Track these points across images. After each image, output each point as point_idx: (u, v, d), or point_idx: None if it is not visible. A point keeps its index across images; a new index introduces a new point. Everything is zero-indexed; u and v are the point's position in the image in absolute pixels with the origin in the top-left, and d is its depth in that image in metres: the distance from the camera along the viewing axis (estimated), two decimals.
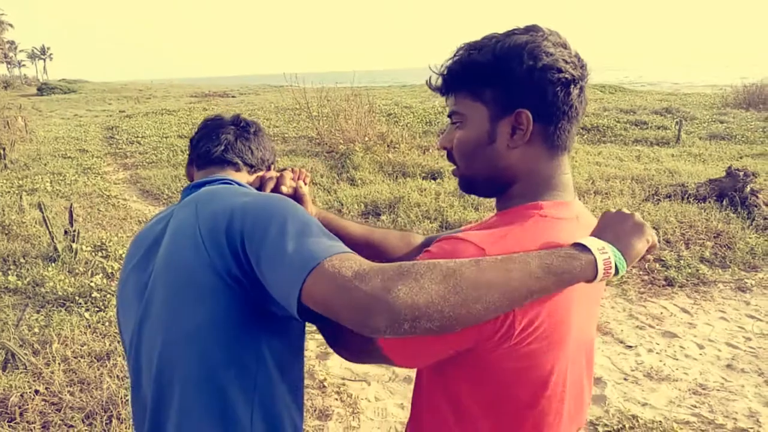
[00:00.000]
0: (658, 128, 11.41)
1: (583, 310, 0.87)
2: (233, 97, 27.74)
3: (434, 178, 7.50)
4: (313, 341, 3.47)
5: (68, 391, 2.80)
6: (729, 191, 5.73)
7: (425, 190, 6.70)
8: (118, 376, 2.94)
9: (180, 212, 1.00)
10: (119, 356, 3.13)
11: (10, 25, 61.44)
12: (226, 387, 0.90)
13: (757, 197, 5.61)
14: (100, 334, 3.44)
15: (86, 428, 2.56)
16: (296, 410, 1.01)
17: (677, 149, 9.58)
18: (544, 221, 0.83)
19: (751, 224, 5.23)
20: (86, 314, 3.71)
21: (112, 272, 4.47)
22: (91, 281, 4.17)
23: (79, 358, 3.12)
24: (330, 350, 3.40)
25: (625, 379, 3.08)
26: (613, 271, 0.75)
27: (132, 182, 8.55)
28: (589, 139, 10.92)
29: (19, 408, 2.68)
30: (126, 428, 2.55)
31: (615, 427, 2.63)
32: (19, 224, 5.76)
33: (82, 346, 3.27)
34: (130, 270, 1.04)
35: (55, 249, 4.77)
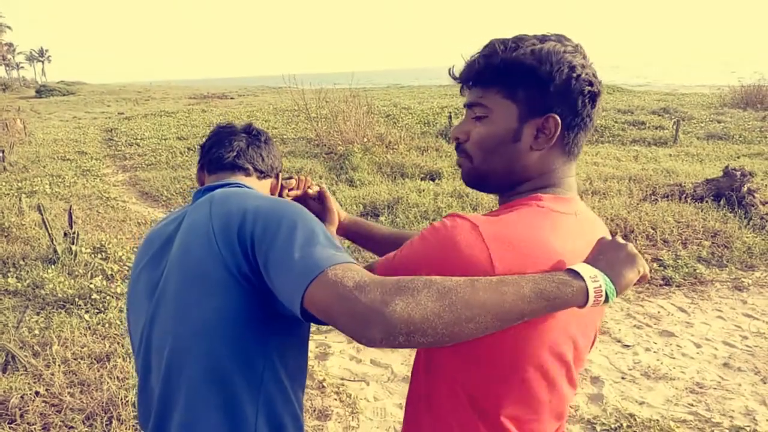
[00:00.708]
0: (656, 128, 11.44)
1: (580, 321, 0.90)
2: (232, 98, 27.75)
3: (433, 179, 7.52)
4: (312, 342, 3.48)
5: (68, 393, 2.81)
6: (726, 191, 5.75)
7: (424, 190, 6.72)
8: (118, 377, 2.95)
9: (193, 212, 1.03)
10: (119, 358, 3.15)
11: (9, 27, 61.43)
12: (233, 383, 0.92)
13: (754, 197, 5.63)
14: (100, 336, 3.45)
15: (86, 429, 2.57)
16: (299, 408, 1.03)
17: (675, 149, 9.61)
18: (540, 211, 0.85)
19: (748, 223, 5.25)
20: (86, 316, 3.72)
21: (111, 274, 4.48)
22: (91, 283, 4.19)
23: (79, 360, 3.13)
24: (329, 350, 3.43)
25: (622, 378, 3.09)
26: (603, 299, 0.77)
27: (131, 184, 8.56)
28: (587, 139, 10.94)
29: (20, 409, 2.69)
30: (126, 429, 2.56)
31: (612, 426, 2.64)
32: (18, 226, 5.77)
33: (82, 348, 3.28)
34: (142, 269, 1.06)
35: (55, 251, 4.78)
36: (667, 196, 6.10)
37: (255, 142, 1.24)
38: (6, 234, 5.60)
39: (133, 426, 2.58)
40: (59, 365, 3.06)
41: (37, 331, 3.52)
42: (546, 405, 0.90)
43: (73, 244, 4.83)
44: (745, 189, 5.68)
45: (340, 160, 8.83)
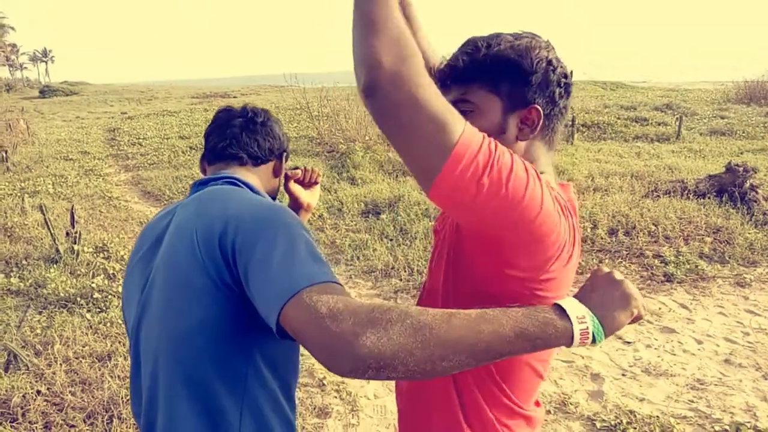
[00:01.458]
0: (659, 124, 11.39)
1: None
2: (234, 97, 27.76)
3: None
4: None
5: (70, 392, 2.82)
6: (729, 187, 5.72)
7: None
8: (119, 376, 2.96)
9: (182, 211, 1.03)
10: (120, 356, 3.16)
11: (12, 28, 61.58)
12: (215, 390, 0.92)
13: (756, 192, 5.61)
14: (102, 335, 3.47)
15: (87, 428, 2.58)
16: (291, 411, 1.03)
17: (677, 145, 9.57)
18: None
19: (751, 219, 5.23)
20: (88, 315, 3.74)
21: (113, 273, 4.50)
22: (93, 282, 4.20)
23: (81, 359, 3.15)
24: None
25: (623, 375, 3.09)
26: (590, 341, 0.74)
27: (133, 183, 8.59)
28: (590, 136, 10.91)
29: (21, 408, 2.71)
30: (127, 428, 2.58)
31: (612, 423, 2.64)
32: (21, 226, 5.80)
33: (84, 347, 3.30)
34: (136, 262, 1.08)
35: (57, 251, 4.80)
36: (669, 193, 6.07)
37: (249, 126, 1.22)
38: (9, 234, 5.62)
39: (134, 425, 2.59)
40: (60, 364, 3.08)
41: (39, 331, 3.54)
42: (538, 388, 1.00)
43: (75, 243, 4.85)
44: (747, 185, 5.65)
45: (341, 159, 8.83)
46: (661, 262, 4.50)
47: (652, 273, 4.38)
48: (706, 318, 3.74)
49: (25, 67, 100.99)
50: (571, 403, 2.81)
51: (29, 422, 2.62)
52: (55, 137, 13.79)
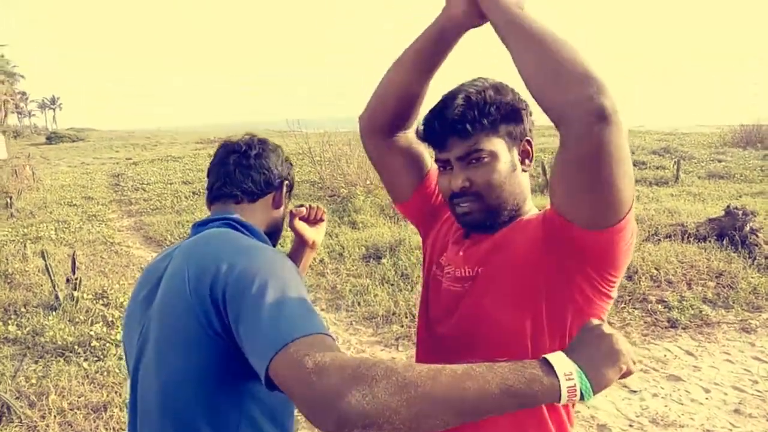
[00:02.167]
0: (657, 168, 11.51)
1: None
2: None
3: None
4: None
5: None
6: (729, 230, 5.73)
7: None
8: (114, 428, 2.90)
9: (178, 255, 1.03)
10: (116, 407, 3.10)
11: (22, 77, 63.22)
12: None
13: (757, 236, 5.60)
14: (98, 385, 3.41)
15: None
16: None
17: (676, 189, 9.64)
18: None
19: (753, 263, 5.21)
20: (85, 364, 3.68)
21: (112, 320, 4.46)
22: (91, 330, 4.16)
23: (76, 410, 3.09)
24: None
25: (630, 426, 3.01)
26: (577, 398, 0.73)
27: (135, 229, 8.62)
28: None
29: None
30: None
31: None
32: (21, 273, 5.79)
33: (80, 398, 3.24)
34: (137, 304, 1.08)
35: (57, 297, 4.78)
36: (670, 236, 6.07)
37: (242, 161, 1.19)
38: (9, 280, 5.61)
39: None
40: (55, 416, 3.02)
41: (34, 380, 3.49)
42: None
43: (75, 290, 4.83)
44: (747, 228, 5.65)
45: (343, 203, 8.89)
46: (664, 308, 4.45)
47: (656, 319, 4.33)
48: (713, 365, 3.67)
49: (34, 115, 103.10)
50: None
51: None
52: (59, 183, 13.95)
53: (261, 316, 0.81)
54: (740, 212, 5.81)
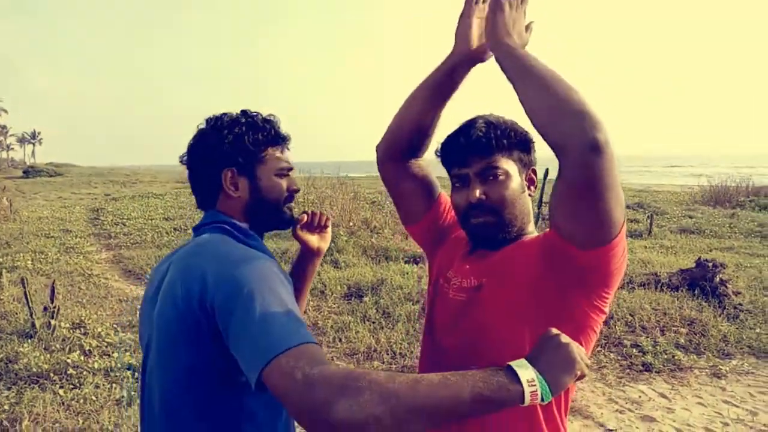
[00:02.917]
0: (631, 221, 11.85)
1: None
2: None
3: (416, 262, 7.64)
4: None
5: None
6: (700, 281, 5.94)
7: (407, 273, 6.82)
8: None
9: (176, 262, 1.06)
10: None
11: (5, 111, 62.87)
12: None
13: (726, 287, 5.82)
14: (74, 411, 3.35)
15: None
16: None
17: (649, 241, 9.93)
18: None
19: (723, 312, 5.39)
20: (60, 391, 3.61)
21: (89, 349, 4.39)
22: (68, 357, 4.10)
23: None
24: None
25: None
26: (539, 400, 0.83)
27: (115, 262, 8.53)
28: None
29: None
30: None
31: None
32: None
33: (54, 424, 3.18)
34: (147, 302, 1.13)
35: (33, 325, 4.70)
36: (644, 285, 6.26)
37: (189, 163, 1.16)
38: None
39: None
40: None
41: (6, 407, 3.40)
42: None
43: (52, 318, 4.75)
44: (717, 279, 5.87)
45: None
46: (639, 352, 4.57)
47: (631, 362, 4.44)
48: (686, 407, 3.76)
49: (12, 148, 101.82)
50: None
51: None
52: (37, 215, 13.75)
53: (250, 328, 0.85)
54: (710, 264, 6.05)
